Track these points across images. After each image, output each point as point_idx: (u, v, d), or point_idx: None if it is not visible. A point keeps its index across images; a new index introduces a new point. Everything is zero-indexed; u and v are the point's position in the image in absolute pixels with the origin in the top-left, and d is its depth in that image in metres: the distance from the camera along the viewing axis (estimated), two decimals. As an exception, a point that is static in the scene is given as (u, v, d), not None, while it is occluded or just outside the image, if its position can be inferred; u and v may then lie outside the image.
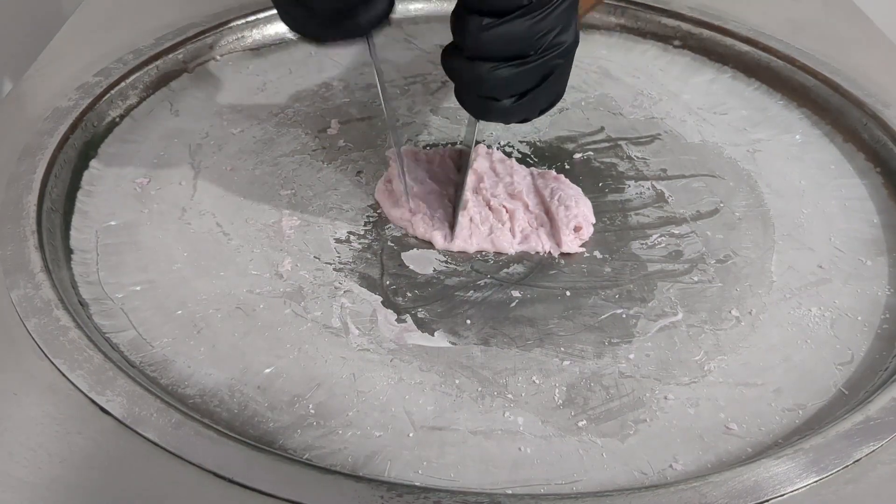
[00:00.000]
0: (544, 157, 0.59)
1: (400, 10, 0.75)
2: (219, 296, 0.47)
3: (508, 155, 0.59)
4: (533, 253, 0.51)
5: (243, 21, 0.69)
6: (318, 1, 0.42)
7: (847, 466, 0.38)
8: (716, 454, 0.40)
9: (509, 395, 0.43)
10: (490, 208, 0.52)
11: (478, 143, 0.55)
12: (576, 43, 0.44)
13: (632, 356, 0.45)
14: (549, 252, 0.51)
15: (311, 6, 0.42)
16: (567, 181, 0.54)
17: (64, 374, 0.40)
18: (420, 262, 0.50)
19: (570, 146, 0.61)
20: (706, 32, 0.71)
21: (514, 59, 0.42)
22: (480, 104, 0.45)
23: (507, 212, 0.51)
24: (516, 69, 0.42)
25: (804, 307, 0.48)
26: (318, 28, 0.44)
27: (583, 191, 0.55)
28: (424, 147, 0.59)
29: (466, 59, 0.43)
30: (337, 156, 0.59)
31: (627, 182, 0.57)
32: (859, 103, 0.62)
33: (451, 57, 0.44)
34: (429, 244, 0.51)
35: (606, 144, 0.61)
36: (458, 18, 0.42)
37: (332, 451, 0.39)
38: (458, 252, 0.51)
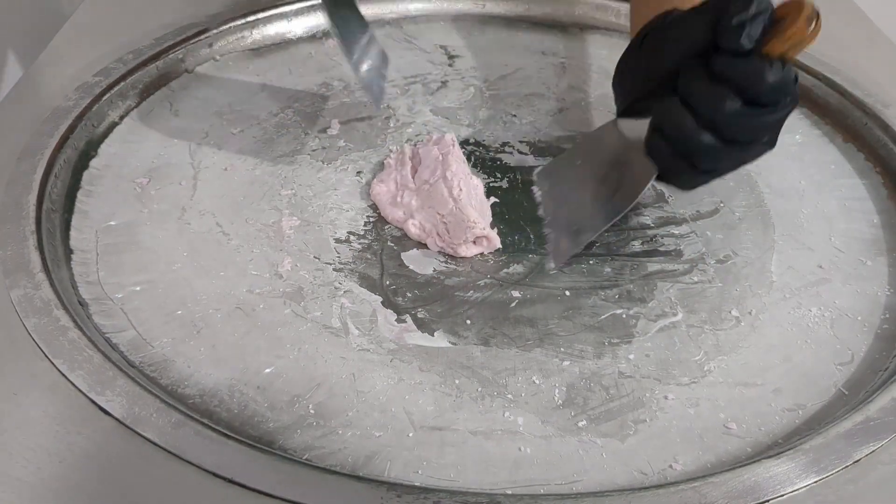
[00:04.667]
0: (544, 156, 0.59)
1: (400, 10, 0.75)
2: (219, 296, 0.47)
3: (510, 154, 0.59)
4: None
5: (243, 21, 0.69)
6: None
7: (847, 466, 0.38)
8: (716, 454, 0.40)
9: (509, 395, 0.43)
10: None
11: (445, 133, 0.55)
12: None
13: (632, 356, 0.45)
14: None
15: None
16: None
17: (64, 374, 0.40)
18: (420, 262, 0.50)
19: (570, 146, 0.61)
20: (706, 32, 0.71)
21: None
22: (683, 171, 0.46)
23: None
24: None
25: (804, 307, 0.48)
26: None
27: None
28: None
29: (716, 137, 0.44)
30: (337, 156, 0.59)
31: (627, 182, 0.57)
32: (859, 103, 0.62)
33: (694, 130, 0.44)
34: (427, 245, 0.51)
35: (606, 144, 0.61)
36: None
37: (332, 451, 0.39)
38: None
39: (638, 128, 0.47)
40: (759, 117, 0.43)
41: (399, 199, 0.52)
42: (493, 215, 0.53)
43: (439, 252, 0.51)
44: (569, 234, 0.49)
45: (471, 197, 0.50)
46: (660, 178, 0.47)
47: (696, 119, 0.43)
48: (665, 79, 0.45)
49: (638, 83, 0.49)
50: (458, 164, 0.52)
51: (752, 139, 0.44)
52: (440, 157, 0.52)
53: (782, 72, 0.42)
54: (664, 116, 0.45)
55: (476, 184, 0.52)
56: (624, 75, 0.51)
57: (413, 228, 0.51)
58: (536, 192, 0.52)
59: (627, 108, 0.50)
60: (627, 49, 0.51)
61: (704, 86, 0.43)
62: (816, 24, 0.41)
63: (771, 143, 0.45)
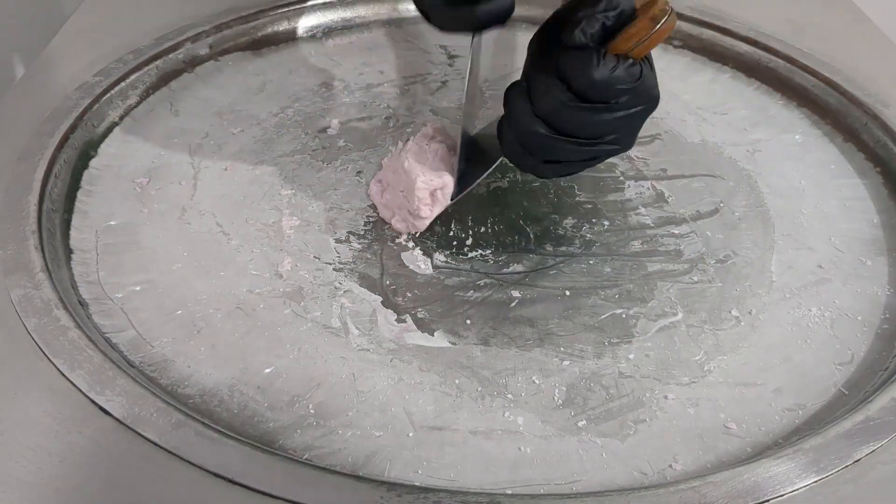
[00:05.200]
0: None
1: (400, 9, 0.75)
2: (219, 296, 0.47)
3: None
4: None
5: (243, 21, 0.69)
6: None
7: (847, 466, 0.38)
8: (716, 454, 0.40)
9: (509, 395, 0.43)
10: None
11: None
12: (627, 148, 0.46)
13: (632, 356, 0.45)
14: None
15: None
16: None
17: (64, 374, 0.40)
18: (420, 262, 0.50)
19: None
20: (706, 32, 0.71)
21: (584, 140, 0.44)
22: (525, 157, 0.47)
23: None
24: (586, 148, 0.45)
25: (804, 307, 0.48)
26: (437, 9, 0.47)
27: (583, 191, 0.55)
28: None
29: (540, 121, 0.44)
30: (337, 156, 0.59)
31: (627, 182, 0.57)
32: (859, 103, 0.62)
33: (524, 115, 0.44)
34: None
35: (606, 144, 0.61)
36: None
37: (332, 451, 0.39)
38: (458, 251, 0.51)
39: None
40: (593, 113, 0.43)
41: (382, 196, 0.52)
42: (493, 215, 0.53)
43: (409, 236, 0.51)
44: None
45: (423, 161, 0.50)
46: (512, 162, 0.48)
47: (533, 107, 0.44)
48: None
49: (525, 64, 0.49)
50: (413, 141, 0.51)
51: (592, 135, 0.44)
52: (402, 144, 0.52)
53: (620, 69, 0.42)
54: (507, 99, 0.46)
55: (435, 148, 0.51)
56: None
57: (395, 222, 0.51)
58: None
59: None
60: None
61: (542, 76, 0.43)
62: (666, 21, 0.41)
63: (619, 144, 0.45)
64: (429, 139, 0.52)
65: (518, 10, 0.79)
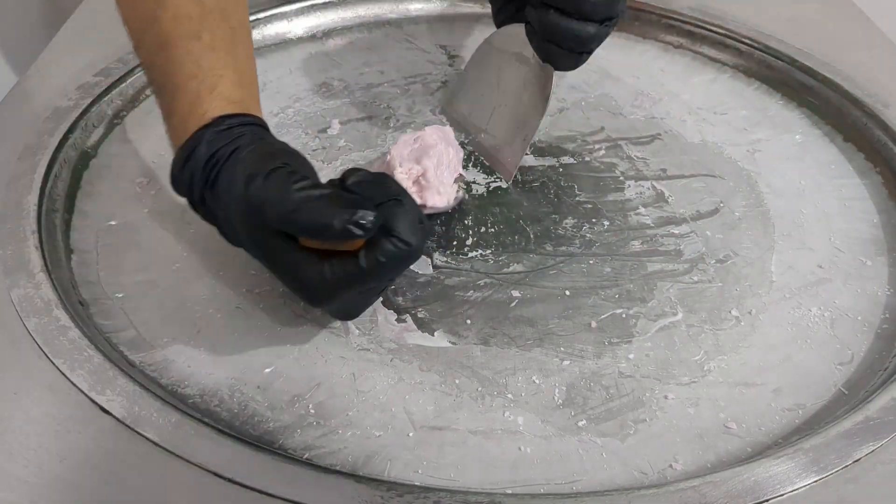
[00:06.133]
0: (544, 156, 0.59)
1: (400, 9, 0.75)
2: (219, 296, 0.47)
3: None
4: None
5: (243, 21, 0.69)
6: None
7: (847, 466, 0.38)
8: (716, 454, 0.40)
9: (509, 395, 0.43)
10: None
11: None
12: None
13: (632, 356, 0.45)
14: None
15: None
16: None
17: (64, 374, 0.40)
18: (420, 262, 0.50)
19: (570, 146, 0.61)
20: (706, 32, 0.71)
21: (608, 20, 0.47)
22: (566, 55, 0.49)
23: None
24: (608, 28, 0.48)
25: (804, 307, 0.48)
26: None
27: (583, 191, 0.55)
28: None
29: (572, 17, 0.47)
30: (337, 156, 0.59)
31: (627, 182, 0.57)
32: (859, 103, 0.62)
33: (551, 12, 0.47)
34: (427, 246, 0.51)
35: (606, 144, 0.61)
36: None
37: (332, 450, 0.39)
38: (458, 251, 0.51)
39: (511, 38, 0.54)
40: None
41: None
42: (493, 215, 0.53)
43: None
44: (505, 145, 0.55)
45: (403, 154, 0.52)
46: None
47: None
48: None
49: None
50: (400, 141, 0.53)
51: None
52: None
53: None
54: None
55: (422, 144, 0.53)
56: None
57: None
58: (448, 122, 0.56)
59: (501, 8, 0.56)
60: None
61: None
62: None
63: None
64: (414, 139, 0.53)
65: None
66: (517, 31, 0.53)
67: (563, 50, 0.49)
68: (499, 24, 0.57)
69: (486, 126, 0.57)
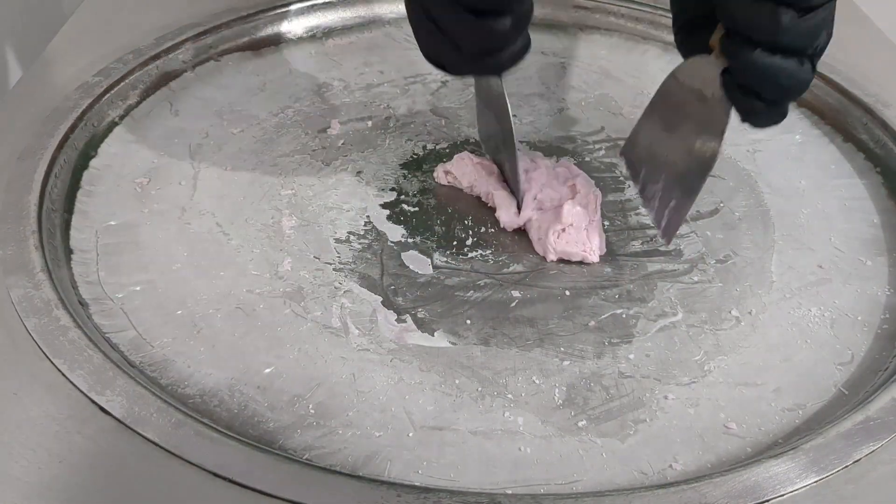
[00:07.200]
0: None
1: (400, 9, 0.75)
2: (219, 296, 0.47)
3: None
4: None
5: (243, 21, 0.69)
6: (467, 41, 0.44)
7: (847, 466, 0.38)
8: (716, 454, 0.40)
9: (509, 395, 0.43)
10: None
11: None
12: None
13: (632, 356, 0.45)
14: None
15: (457, 44, 0.44)
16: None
17: (64, 374, 0.40)
18: (420, 263, 0.50)
19: (570, 146, 0.61)
20: (706, 32, 0.71)
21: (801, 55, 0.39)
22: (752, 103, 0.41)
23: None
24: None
25: (804, 307, 0.48)
26: (458, 63, 0.47)
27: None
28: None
29: (765, 52, 0.38)
30: (337, 156, 0.59)
31: (627, 182, 0.57)
32: (859, 103, 0.62)
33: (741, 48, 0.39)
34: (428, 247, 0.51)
35: (606, 144, 0.61)
36: (759, 8, 0.38)
37: (332, 451, 0.39)
38: (458, 251, 0.51)
39: (696, 71, 0.44)
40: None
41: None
42: (494, 215, 0.53)
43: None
44: (669, 208, 0.48)
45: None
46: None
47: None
48: None
49: None
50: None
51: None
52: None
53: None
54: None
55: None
56: None
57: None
58: (625, 166, 0.52)
59: (686, 23, 0.46)
60: None
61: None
62: None
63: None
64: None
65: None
66: (702, 63, 0.44)
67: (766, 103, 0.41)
68: (680, 42, 0.48)
69: (661, 179, 0.49)
